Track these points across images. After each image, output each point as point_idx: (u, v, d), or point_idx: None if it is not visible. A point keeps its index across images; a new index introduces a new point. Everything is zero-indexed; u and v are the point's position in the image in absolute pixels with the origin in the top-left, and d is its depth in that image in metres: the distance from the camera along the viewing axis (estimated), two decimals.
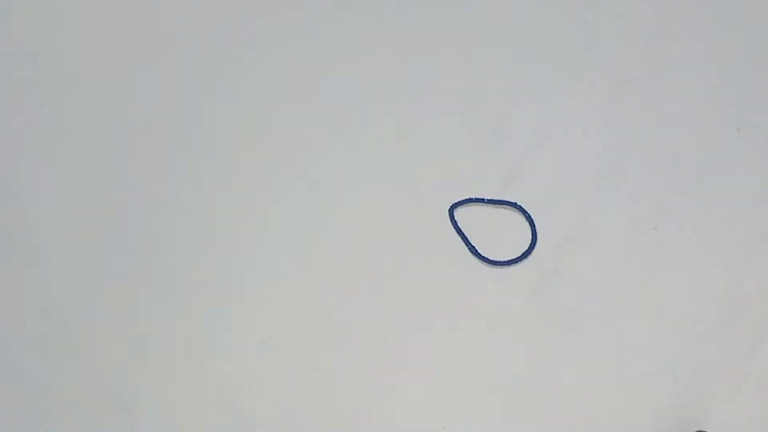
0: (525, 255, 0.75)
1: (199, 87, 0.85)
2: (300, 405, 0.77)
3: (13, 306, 0.82)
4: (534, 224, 0.75)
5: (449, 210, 0.76)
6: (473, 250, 0.75)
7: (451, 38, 0.83)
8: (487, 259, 0.75)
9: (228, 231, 0.81)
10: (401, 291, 0.78)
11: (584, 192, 0.77)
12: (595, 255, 0.76)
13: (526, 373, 0.75)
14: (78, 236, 0.83)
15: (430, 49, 0.83)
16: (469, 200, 0.76)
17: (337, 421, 0.76)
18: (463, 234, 0.75)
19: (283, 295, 0.79)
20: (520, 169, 0.78)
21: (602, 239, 0.76)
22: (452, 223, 0.75)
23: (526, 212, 0.75)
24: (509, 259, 0.75)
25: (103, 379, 0.79)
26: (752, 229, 0.74)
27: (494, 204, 0.76)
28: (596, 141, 0.78)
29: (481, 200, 0.75)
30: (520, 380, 0.75)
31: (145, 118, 0.85)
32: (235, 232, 0.81)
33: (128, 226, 0.82)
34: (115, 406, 0.78)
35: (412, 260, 0.78)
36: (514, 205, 0.76)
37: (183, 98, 0.85)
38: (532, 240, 0.75)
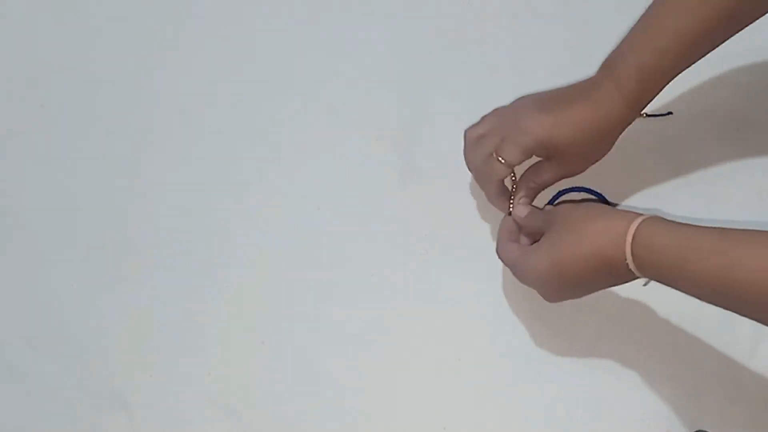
0: None
1: (199, 87, 0.86)
2: (300, 405, 0.77)
3: (13, 306, 0.82)
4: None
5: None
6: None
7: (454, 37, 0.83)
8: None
9: (228, 230, 0.81)
10: (401, 290, 0.78)
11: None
12: None
13: (527, 373, 0.75)
14: (77, 236, 0.83)
15: (432, 49, 0.84)
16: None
17: (336, 421, 0.76)
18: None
19: (283, 295, 0.79)
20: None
21: None
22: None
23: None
24: None
25: (103, 379, 0.79)
26: (751, 228, 0.74)
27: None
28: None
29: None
30: (521, 380, 0.75)
31: (145, 118, 0.85)
32: (235, 231, 0.81)
33: (128, 226, 0.82)
34: (114, 406, 0.78)
35: (412, 260, 0.78)
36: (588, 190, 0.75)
37: (182, 98, 0.85)
38: None
